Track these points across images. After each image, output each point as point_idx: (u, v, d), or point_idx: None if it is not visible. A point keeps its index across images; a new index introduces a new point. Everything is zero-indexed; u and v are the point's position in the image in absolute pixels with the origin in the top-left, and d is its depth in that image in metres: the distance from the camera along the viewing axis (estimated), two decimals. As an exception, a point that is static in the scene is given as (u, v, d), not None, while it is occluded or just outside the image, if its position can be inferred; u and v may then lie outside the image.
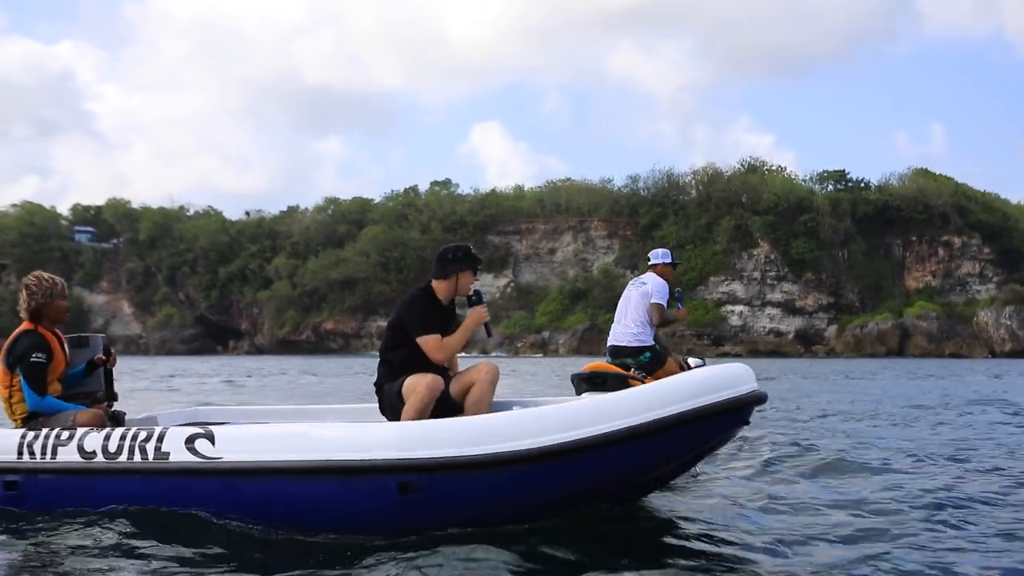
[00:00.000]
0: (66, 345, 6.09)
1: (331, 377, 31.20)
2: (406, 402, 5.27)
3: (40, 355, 5.75)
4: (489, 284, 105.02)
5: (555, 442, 4.50)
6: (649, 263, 8.53)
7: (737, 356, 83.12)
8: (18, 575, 4.50)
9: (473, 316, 5.60)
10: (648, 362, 7.71)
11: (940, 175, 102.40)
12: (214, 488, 5.06)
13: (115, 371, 6.46)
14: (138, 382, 17.46)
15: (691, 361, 8.85)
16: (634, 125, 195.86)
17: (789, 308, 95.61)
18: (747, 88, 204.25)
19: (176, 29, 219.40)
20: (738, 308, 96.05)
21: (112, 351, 6.35)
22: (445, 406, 5.43)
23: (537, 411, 4.78)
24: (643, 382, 7.47)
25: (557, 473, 4.60)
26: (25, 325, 5.94)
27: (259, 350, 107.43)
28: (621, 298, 8.19)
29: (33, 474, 5.45)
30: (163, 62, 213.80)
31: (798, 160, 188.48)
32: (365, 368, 40.17)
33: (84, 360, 6.24)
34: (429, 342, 5.42)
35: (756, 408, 4.84)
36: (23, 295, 5.97)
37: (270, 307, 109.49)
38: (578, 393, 7.52)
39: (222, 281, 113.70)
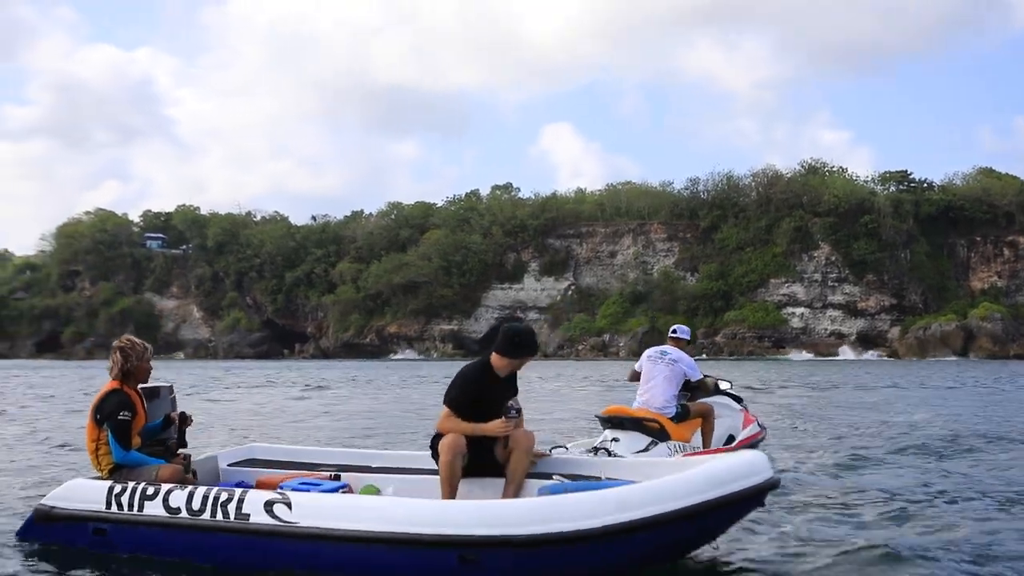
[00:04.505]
0: (145, 402, 6.61)
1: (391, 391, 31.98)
2: (440, 457, 6.05)
3: (127, 413, 6.26)
4: (550, 287, 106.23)
5: (593, 526, 5.17)
6: (674, 335, 9.51)
7: (799, 358, 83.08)
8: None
9: (492, 427, 6.07)
10: (678, 420, 8.89)
11: (1005, 174, 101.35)
12: (290, 550, 5.59)
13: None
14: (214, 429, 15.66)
15: (722, 384, 9.75)
16: (711, 123, 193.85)
17: (851, 310, 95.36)
18: (828, 85, 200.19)
19: (252, 33, 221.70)
20: (799, 310, 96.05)
21: (188, 416, 6.91)
22: (490, 465, 6.22)
23: (580, 497, 5.54)
24: (661, 427, 8.82)
25: (595, 552, 5.26)
26: (112, 384, 6.39)
27: (324, 353, 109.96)
28: (646, 363, 9.12)
29: (121, 524, 5.99)
30: (240, 66, 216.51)
31: (873, 157, 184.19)
32: (433, 378, 40.78)
33: (157, 410, 6.80)
34: (444, 413, 6.11)
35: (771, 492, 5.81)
36: (117, 356, 6.42)
37: (334, 311, 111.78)
38: (603, 429, 8.97)
39: (288, 285, 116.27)
